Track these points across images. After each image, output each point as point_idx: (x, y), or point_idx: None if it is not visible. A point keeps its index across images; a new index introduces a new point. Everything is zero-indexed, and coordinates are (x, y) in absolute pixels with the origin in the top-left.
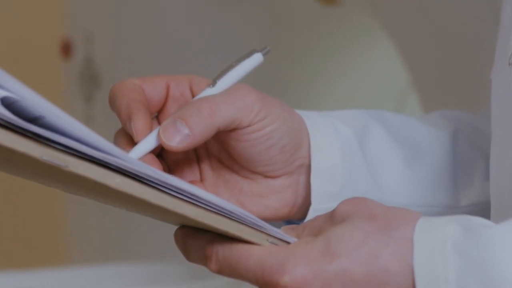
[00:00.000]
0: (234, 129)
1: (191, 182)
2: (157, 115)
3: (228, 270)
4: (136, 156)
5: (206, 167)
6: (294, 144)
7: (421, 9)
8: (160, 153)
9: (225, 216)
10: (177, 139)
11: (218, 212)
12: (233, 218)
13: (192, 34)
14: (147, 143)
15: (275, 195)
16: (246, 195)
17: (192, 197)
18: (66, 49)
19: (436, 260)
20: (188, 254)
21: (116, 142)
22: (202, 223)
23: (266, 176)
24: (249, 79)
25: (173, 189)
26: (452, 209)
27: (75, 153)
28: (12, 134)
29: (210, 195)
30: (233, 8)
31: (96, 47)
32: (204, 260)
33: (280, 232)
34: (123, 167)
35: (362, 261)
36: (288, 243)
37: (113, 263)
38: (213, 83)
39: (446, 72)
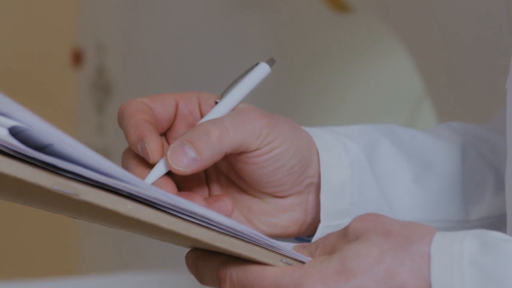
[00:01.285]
0: (242, 153)
1: (219, 197)
2: (165, 133)
3: None
4: (152, 181)
5: (214, 185)
6: (302, 165)
7: (434, 16)
8: (170, 173)
9: (238, 238)
10: (185, 162)
11: (231, 234)
12: (246, 239)
13: (204, 43)
14: (160, 167)
15: (284, 214)
16: (255, 213)
17: (205, 220)
18: (78, 58)
19: (454, 275)
20: (201, 277)
21: (125, 163)
22: (215, 246)
23: (275, 196)
24: (261, 87)
25: (185, 213)
26: (462, 223)
27: (85, 180)
28: (21, 164)
29: (222, 217)
30: (245, 16)
31: (107, 57)
32: (218, 282)
33: (294, 252)
34: (134, 193)
35: (379, 279)
36: (302, 262)
37: (123, 272)
38: (220, 98)
39: (460, 80)
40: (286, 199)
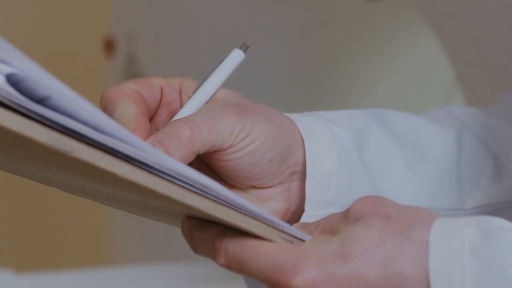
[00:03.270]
0: (216, 151)
1: None
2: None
3: (237, 266)
4: None
5: None
6: (282, 156)
7: (466, 2)
8: None
9: (237, 210)
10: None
11: (229, 205)
12: (244, 212)
13: (234, 31)
14: None
15: (266, 204)
16: None
17: (203, 188)
18: (109, 46)
19: (453, 264)
20: (196, 246)
21: None
22: (212, 215)
23: (256, 187)
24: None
25: (183, 179)
26: (457, 211)
27: (82, 138)
28: (16, 115)
29: (221, 187)
30: (276, 4)
31: (138, 45)
32: (212, 253)
33: (293, 228)
34: (132, 155)
35: (377, 264)
36: (301, 240)
37: (155, 263)
38: (194, 91)
39: (491, 68)
40: (267, 190)
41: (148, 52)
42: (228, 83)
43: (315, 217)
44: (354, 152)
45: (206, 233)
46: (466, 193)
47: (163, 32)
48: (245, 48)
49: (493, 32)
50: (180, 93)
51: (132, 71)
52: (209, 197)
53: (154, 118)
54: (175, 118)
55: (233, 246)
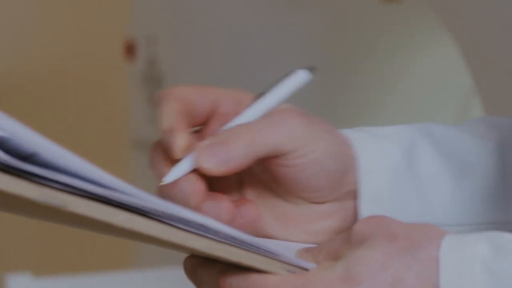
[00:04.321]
0: (277, 156)
1: (243, 201)
2: (199, 130)
3: None
4: (174, 178)
5: (248, 188)
6: (341, 171)
7: (484, 7)
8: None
9: (238, 247)
10: (214, 163)
11: (229, 243)
12: (245, 247)
13: (255, 35)
14: (185, 165)
15: (322, 221)
16: (290, 220)
17: (202, 228)
18: (130, 50)
19: (464, 281)
20: (200, 285)
21: (152, 153)
22: (214, 255)
23: (313, 202)
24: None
25: (181, 221)
26: (504, 225)
27: (74, 190)
28: (5, 175)
29: (220, 225)
30: (294, 9)
31: (159, 48)
32: None
33: (296, 259)
34: (126, 202)
35: (386, 286)
36: (306, 269)
37: (177, 266)
38: (253, 101)
39: (510, 74)
40: (324, 205)
41: (169, 55)
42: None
43: None
44: (406, 168)
45: (209, 271)
46: (511, 205)
47: (183, 36)
48: (311, 70)
49: None
50: (237, 105)
51: (153, 75)
52: (209, 237)
53: (207, 127)
54: (229, 125)
55: (237, 282)
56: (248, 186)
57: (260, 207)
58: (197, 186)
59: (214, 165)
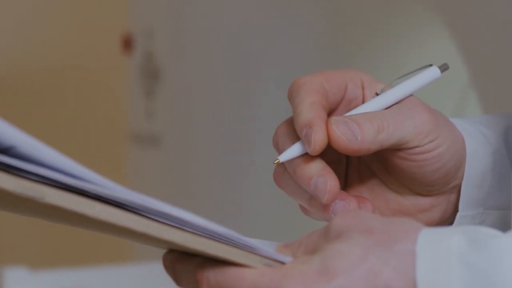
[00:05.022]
0: (402, 149)
1: (362, 200)
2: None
3: None
4: (287, 158)
5: (354, 174)
6: (457, 167)
7: (482, 1)
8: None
9: (215, 240)
10: (347, 137)
11: (206, 236)
12: (223, 241)
13: (252, 29)
14: (299, 147)
15: (422, 214)
16: (390, 209)
17: (179, 221)
18: (127, 44)
19: (440, 273)
20: (178, 280)
21: (278, 138)
22: (190, 248)
23: (419, 194)
24: (305, 71)
25: (157, 214)
26: None
27: (51, 182)
28: None
29: (197, 218)
30: (293, 1)
31: (156, 42)
32: (195, 285)
33: (273, 252)
34: (102, 195)
35: (362, 279)
36: (283, 263)
37: None
38: (381, 92)
39: (508, 69)
40: (428, 198)
41: (166, 49)
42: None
43: (467, 218)
44: (505, 153)
45: (187, 265)
46: None
47: (180, 29)
48: (443, 68)
49: (510, 31)
50: (363, 89)
51: (150, 68)
52: (186, 230)
53: (334, 113)
54: (357, 111)
55: (215, 276)
56: (354, 172)
57: (361, 190)
58: (333, 185)
59: (346, 140)
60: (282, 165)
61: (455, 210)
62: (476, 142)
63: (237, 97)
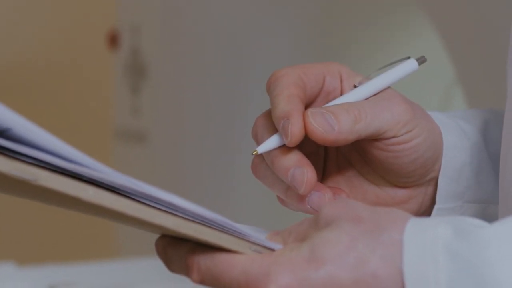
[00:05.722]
0: (379, 139)
1: (337, 191)
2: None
3: (211, 281)
4: (265, 150)
5: (332, 165)
6: (434, 158)
7: None
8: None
9: (206, 225)
10: (323, 128)
11: (198, 221)
12: (214, 226)
13: (240, 24)
14: (277, 139)
15: (400, 206)
16: (367, 201)
17: (170, 206)
18: (113, 40)
19: (427, 262)
20: (170, 265)
21: (258, 126)
22: (181, 233)
23: (396, 186)
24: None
25: (150, 199)
26: None
27: (45, 165)
28: None
29: (188, 203)
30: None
31: (143, 38)
32: (186, 270)
33: (263, 239)
34: (96, 178)
35: (350, 267)
36: (273, 250)
37: (156, 256)
38: (359, 84)
39: (495, 68)
40: (405, 190)
41: (152, 45)
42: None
43: (445, 211)
44: (483, 147)
45: (179, 250)
46: None
47: (167, 26)
48: (421, 61)
49: (497, 30)
50: (341, 81)
51: (137, 65)
52: (177, 215)
53: (313, 105)
54: (334, 103)
55: (205, 262)
56: (332, 162)
57: (339, 182)
58: (310, 176)
59: (323, 131)
60: (260, 156)
61: (432, 202)
62: (454, 135)
63: (224, 93)
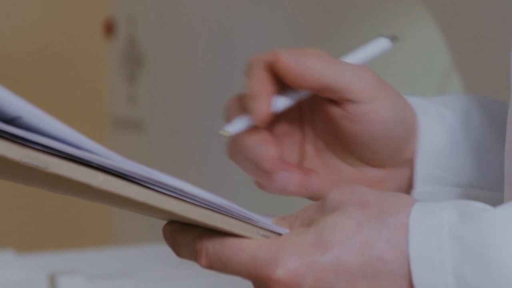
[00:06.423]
0: (346, 102)
1: (309, 172)
2: None
3: (219, 265)
4: (233, 130)
5: (309, 148)
6: (407, 135)
7: None
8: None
9: (214, 211)
10: (292, 63)
11: (206, 206)
12: (222, 212)
13: (236, 14)
14: (246, 119)
15: (375, 187)
16: (345, 182)
17: (179, 192)
18: (109, 29)
19: (432, 246)
20: (178, 250)
21: (229, 108)
22: (190, 218)
23: (371, 165)
24: None
25: (158, 185)
26: None
27: (55, 153)
28: None
29: (197, 189)
30: None
31: (139, 27)
32: (194, 255)
33: (271, 224)
34: (105, 165)
35: (356, 251)
36: (280, 234)
37: (157, 243)
38: None
39: (491, 54)
40: (381, 170)
41: (149, 35)
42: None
43: (424, 195)
44: (462, 132)
45: (187, 236)
46: None
47: (163, 15)
48: (393, 40)
49: (493, 17)
50: None
51: (133, 54)
52: (186, 200)
53: (287, 87)
54: None
55: (213, 246)
56: (309, 143)
57: (317, 164)
58: (272, 152)
59: (292, 66)
60: (234, 139)
61: (411, 186)
62: (431, 120)
63: (219, 82)
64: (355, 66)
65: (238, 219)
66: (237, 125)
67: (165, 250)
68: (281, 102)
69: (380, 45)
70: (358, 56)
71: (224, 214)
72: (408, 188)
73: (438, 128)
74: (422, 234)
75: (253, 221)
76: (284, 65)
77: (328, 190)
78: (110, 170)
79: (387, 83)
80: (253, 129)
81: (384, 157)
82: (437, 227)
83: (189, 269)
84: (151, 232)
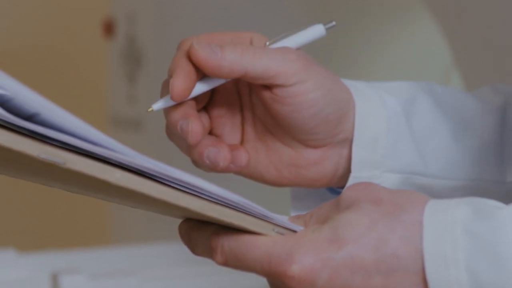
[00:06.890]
0: (273, 86)
1: (235, 147)
2: None
3: (234, 262)
4: (158, 107)
5: (249, 130)
6: (338, 115)
7: None
8: (205, 108)
9: (230, 207)
10: (206, 53)
11: (222, 203)
12: (237, 209)
13: (236, 13)
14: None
15: (314, 167)
16: (284, 163)
17: (196, 189)
18: (109, 28)
19: (446, 242)
20: (194, 248)
21: (162, 88)
22: (206, 215)
23: (307, 146)
24: None
25: (175, 181)
26: (498, 184)
27: (73, 149)
28: (8, 132)
29: (213, 186)
30: None
31: (138, 26)
32: (210, 253)
33: (286, 221)
34: (123, 161)
35: (370, 247)
36: (295, 231)
37: (156, 242)
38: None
39: (490, 49)
40: (318, 150)
41: (148, 33)
42: None
43: (362, 179)
44: (403, 119)
45: (203, 233)
46: (507, 166)
47: (163, 13)
48: (329, 26)
49: (493, 13)
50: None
51: (132, 53)
52: (202, 197)
53: None
54: None
55: (229, 243)
56: (250, 127)
57: (258, 147)
58: (194, 126)
59: (206, 57)
60: (167, 118)
61: (349, 165)
62: (370, 104)
63: None
64: (276, 50)
65: (253, 216)
66: (161, 103)
67: (167, 249)
68: (200, 87)
69: (315, 31)
70: (294, 40)
71: (239, 211)
72: (348, 169)
73: (377, 112)
74: (436, 231)
75: (268, 218)
76: (200, 57)
77: (252, 165)
78: (127, 166)
79: (316, 65)
80: (178, 105)
81: (318, 138)
82: (451, 224)
83: (191, 268)
84: (153, 231)
